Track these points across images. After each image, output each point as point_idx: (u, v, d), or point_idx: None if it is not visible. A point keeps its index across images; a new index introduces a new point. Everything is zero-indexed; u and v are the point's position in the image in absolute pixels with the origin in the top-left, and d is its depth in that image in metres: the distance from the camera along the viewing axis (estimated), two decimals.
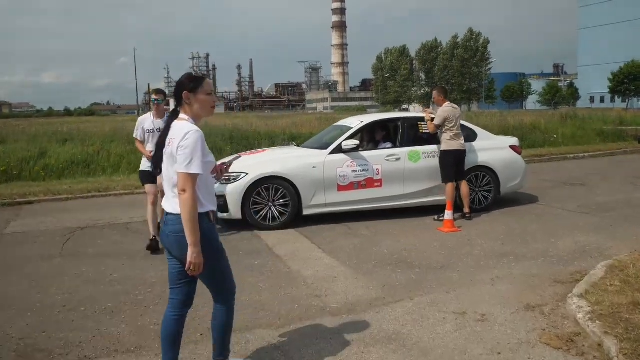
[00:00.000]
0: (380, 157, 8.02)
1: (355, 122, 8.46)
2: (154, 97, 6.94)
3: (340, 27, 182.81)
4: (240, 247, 6.81)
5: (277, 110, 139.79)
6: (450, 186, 7.88)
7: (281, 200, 7.65)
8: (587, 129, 22.23)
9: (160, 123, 6.82)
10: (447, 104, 8.03)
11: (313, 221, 8.00)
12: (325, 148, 8.02)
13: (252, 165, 7.72)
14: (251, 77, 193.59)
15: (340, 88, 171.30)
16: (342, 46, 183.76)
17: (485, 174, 8.52)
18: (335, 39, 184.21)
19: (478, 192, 8.54)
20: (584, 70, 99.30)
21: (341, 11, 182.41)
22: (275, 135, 19.27)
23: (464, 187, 8.08)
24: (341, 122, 8.96)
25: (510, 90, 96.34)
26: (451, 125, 7.84)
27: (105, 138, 17.62)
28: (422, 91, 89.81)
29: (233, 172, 7.57)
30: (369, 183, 7.93)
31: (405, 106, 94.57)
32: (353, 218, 8.15)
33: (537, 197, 9.80)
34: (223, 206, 7.57)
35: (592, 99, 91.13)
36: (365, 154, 8.01)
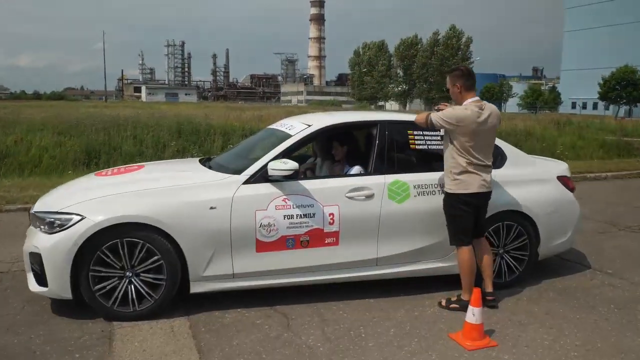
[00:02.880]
0: (338, 193, 4.48)
1: (299, 127, 4.81)
2: None
3: (319, 19, 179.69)
4: None
5: (252, 101, 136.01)
6: (465, 253, 4.44)
7: (150, 266, 4.06)
8: (587, 138, 19.40)
9: None
10: (471, 101, 4.42)
11: (215, 302, 4.45)
12: (239, 172, 4.44)
13: (97, 200, 4.09)
14: (226, 67, 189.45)
15: (316, 82, 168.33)
16: (320, 39, 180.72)
17: (517, 226, 5.03)
18: (312, 31, 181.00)
19: (503, 255, 5.07)
20: (566, 75, 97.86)
21: (320, 4, 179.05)
22: (233, 129, 16.14)
23: (485, 249, 4.63)
24: (277, 125, 5.34)
25: (490, 92, 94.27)
26: (467, 140, 4.30)
27: (35, 126, 14.37)
28: (399, 88, 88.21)
29: (55, 213, 3.97)
30: (316, 238, 4.40)
31: (381, 103, 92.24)
32: (293, 298, 4.62)
33: (585, 254, 6.38)
34: (39, 274, 3.98)
35: (573, 105, 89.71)
36: (312, 184, 4.46)
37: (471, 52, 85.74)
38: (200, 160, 5.26)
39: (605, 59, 77.95)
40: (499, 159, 5.12)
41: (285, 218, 4.29)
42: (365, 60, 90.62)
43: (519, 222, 5.01)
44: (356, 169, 4.84)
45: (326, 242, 4.43)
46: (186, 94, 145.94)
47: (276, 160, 4.28)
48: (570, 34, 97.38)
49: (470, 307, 3.93)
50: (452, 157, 4.36)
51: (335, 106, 73.77)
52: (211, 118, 19.59)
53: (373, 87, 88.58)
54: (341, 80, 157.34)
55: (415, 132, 4.88)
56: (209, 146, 14.21)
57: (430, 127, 4.45)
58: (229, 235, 4.15)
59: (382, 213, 4.55)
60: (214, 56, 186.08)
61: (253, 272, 4.29)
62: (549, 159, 6.45)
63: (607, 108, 68.22)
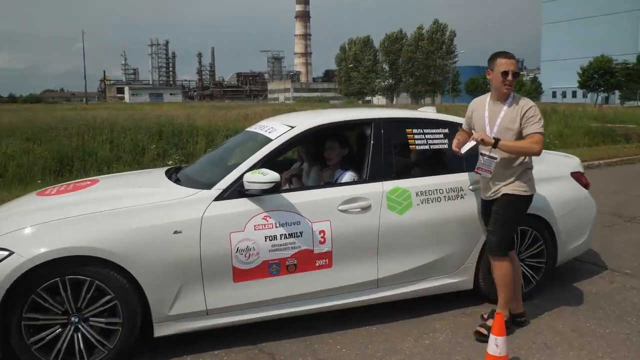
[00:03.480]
0: (328, 206, 3.77)
1: (280, 129, 4.06)
2: None
3: (304, 16, 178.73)
4: None
5: (239, 100, 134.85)
6: (512, 261, 3.93)
7: (102, 308, 3.31)
8: (573, 126, 19.28)
9: None
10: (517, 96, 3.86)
11: (187, 344, 3.72)
12: (209, 186, 3.71)
13: (31, 230, 3.28)
14: (212, 65, 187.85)
15: (303, 79, 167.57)
16: (306, 36, 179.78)
17: (532, 231, 4.37)
18: (298, 28, 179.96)
19: (523, 265, 4.40)
20: (546, 65, 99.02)
21: (305, 0, 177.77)
22: (217, 130, 15.33)
23: (517, 261, 4.07)
24: (257, 128, 4.55)
25: (474, 84, 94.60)
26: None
27: (1, 131, 13.24)
28: (385, 83, 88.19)
29: None
30: (305, 261, 3.69)
31: (368, 98, 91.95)
32: (281, 332, 3.91)
33: (597, 251, 5.78)
34: None
35: (554, 94, 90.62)
36: (298, 198, 3.74)
37: (455, 45, 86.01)
38: (167, 172, 4.51)
39: (582, 49, 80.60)
40: None
41: (267, 239, 3.58)
42: (351, 56, 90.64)
43: (534, 226, 4.37)
44: (348, 175, 4.15)
45: (317, 265, 3.72)
46: (171, 94, 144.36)
47: (253, 171, 3.55)
48: (548, 26, 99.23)
49: (492, 337, 3.26)
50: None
51: (323, 102, 73.19)
52: (193, 118, 18.82)
53: (360, 82, 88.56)
54: (328, 76, 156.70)
55: (415, 131, 4.20)
56: (191, 148, 13.46)
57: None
58: (198, 264, 3.43)
59: (381, 227, 3.85)
60: (199, 55, 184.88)
61: (231, 306, 3.57)
62: (559, 153, 5.79)
63: (585, 96, 69.65)
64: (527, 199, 3.80)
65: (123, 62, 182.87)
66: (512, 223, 3.81)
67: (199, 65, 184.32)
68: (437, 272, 4.11)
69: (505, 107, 3.75)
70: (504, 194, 3.76)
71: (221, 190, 3.61)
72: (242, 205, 3.58)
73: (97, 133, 13.33)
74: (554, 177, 4.58)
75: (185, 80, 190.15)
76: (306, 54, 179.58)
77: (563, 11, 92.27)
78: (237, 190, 3.61)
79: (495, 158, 3.72)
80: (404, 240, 3.94)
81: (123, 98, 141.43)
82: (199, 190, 3.65)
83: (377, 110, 4.45)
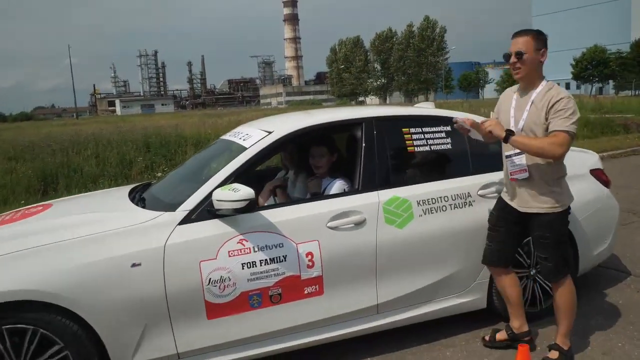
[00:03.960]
0: (316, 223, 3.22)
1: (256, 135, 3.50)
2: None
3: (293, 19, 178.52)
4: None
5: (231, 107, 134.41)
6: (572, 285, 3.31)
7: None
8: None
9: None
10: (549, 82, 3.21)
11: None
12: (174, 207, 3.14)
13: None
14: (203, 73, 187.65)
15: (295, 82, 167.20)
16: (295, 39, 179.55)
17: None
18: (287, 32, 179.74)
19: (536, 276, 3.85)
20: None
21: (292, 3, 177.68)
22: (207, 138, 14.72)
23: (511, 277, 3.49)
24: (231, 135, 3.98)
25: (467, 80, 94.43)
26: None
27: None
28: (378, 82, 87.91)
29: None
30: (291, 290, 3.13)
31: (361, 98, 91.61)
32: None
33: (616, 254, 5.24)
34: None
35: None
36: (279, 215, 3.19)
37: (446, 41, 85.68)
38: (131, 191, 3.95)
39: (573, 40, 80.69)
40: None
41: (245, 267, 3.03)
42: (342, 57, 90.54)
43: None
44: (338, 185, 3.61)
45: (306, 292, 3.17)
46: (163, 105, 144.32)
47: (224, 187, 3.00)
48: (538, 19, 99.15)
49: None
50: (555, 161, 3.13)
51: (316, 105, 72.81)
52: (182, 128, 18.31)
53: (352, 83, 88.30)
54: (320, 79, 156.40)
55: (413, 130, 3.66)
56: (180, 158, 12.94)
57: (574, 137, 3.05)
58: (163, 300, 2.87)
59: (379, 244, 3.31)
60: (189, 64, 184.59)
61: (207, 347, 3.02)
62: (574, 148, 5.21)
63: (579, 87, 69.63)
64: (567, 212, 3.25)
65: (113, 74, 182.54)
66: (563, 241, 3.25)
67: (189, 74, 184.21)
68: (445, 292, 3.57)
69: (532, 98, 3.13)
70: (541, 214, 3.17)
71: (187, 212, 3.06)
72: (213, 228, 3.04)
73: (82, 148, 12.91)
74: (572, 176, 4.01)
75: (177, 90, 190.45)
76: (297, 57, 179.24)
77: (552, 3, 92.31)
78: (206, 211, 3.06)
79: (522, 153, 3.11)
80: (405, 257, 3.40)
81: (115, 111, 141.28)
82: (162, 212, 3.10)
83: (368, 109, 3.89)
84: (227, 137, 4.05)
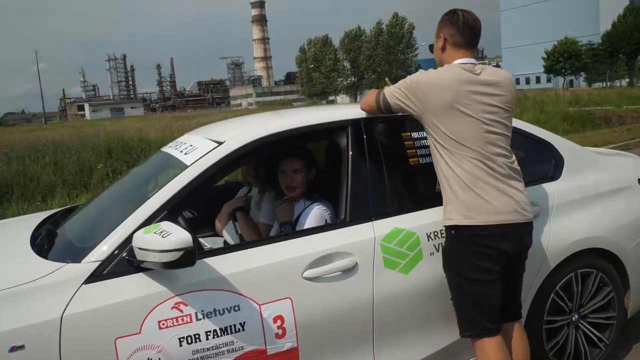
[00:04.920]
0: (287, 273, 2.24)
1: (202, 147, 2.49)
2: None
3: (261, 20, 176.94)
4: None
5: (201, 109, 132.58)
6: (491, 349, 2.31)
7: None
8: (549, 112, 18.18)
9: None
10: (460, 62, 2.39)
11: None
12: (78, 258, 2.10)
13: None
14: (172, 76, 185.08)
15: (265, 83, 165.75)
16: (264, 40, 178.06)
17: (596, 273, 2.87)
18: (256, 33, 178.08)
19: (578, 323, 2.88)
20: (507, 53, 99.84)
21: (260, 4, 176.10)
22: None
23: (523, 343, 2.47)
24: (173, 147, 2.90)
25: None
26: (452, 124, 2.30)
27: None
28: (348, 81, 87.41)
29: None
30: None
31: (332, 98, 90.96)
32: None
33: None
34: None
35: (518, 81, 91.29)
36: (231, 264, 2.20)
37: (415, 38, 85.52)
38: (41, 224, 2.90)
39: (543, 34, 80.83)
40: (554, 163, 3.00)
41: (184, 342, 2.04)
42: (311, 56, 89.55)
43: (600, 266, 2.89)
44: (317, 212, 2.65)
45: None
46: (132, 108, 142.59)
47: (149, 229, 2.01)
48: (506, 13, 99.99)
49: None
50: (443, 167, 2.35)
51: (286, 105, 71.89)
52: (147, 132, 17.34)
53: (322, 82, 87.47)
54: (290, 79, 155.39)
55: (415, 135, 2.70)
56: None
57: (386, 109, 2.46)
58: None
59: (377, 298, 2.35)
60: (159, 66, 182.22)
61: None
62: (614, 151, 4.31)
63: (549, 81, 69.18)
64: (464, 237, 2.38)
65: (82, 79, 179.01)
66: (455, 284, 2.45)
67: (158, 76, 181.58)
68: (467, 354, 2.63)
69: None
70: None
71: (98, 264, 2.06)
72: (135, 287, 2.04)
73: (40, 155, 12.08)
74: (618, 189, 3.11)
75: (147, 93, 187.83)
76: (266, 58, 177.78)
77: None
78: (125, 261, 2.07)
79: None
80: (413, 313, 2.45)
81: (84, 115, 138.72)
82: (64, 263, 2.09)
83: (354, 107, 2.86)
84: (167, 148, 3.04)
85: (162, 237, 1.91)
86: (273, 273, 2.22)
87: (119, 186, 3.17)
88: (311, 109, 3.53)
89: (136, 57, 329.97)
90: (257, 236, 2.98)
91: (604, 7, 79.70)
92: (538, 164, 2.97)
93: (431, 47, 2.65)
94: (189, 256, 1.92)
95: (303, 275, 2.24)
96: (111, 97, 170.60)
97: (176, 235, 1.91)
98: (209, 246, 3.43)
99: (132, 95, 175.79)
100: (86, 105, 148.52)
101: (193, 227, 3.85)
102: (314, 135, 2.86)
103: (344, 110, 2.86)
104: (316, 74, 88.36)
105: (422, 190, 2.72)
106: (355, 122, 2.63)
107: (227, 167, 2.49)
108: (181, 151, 2.65)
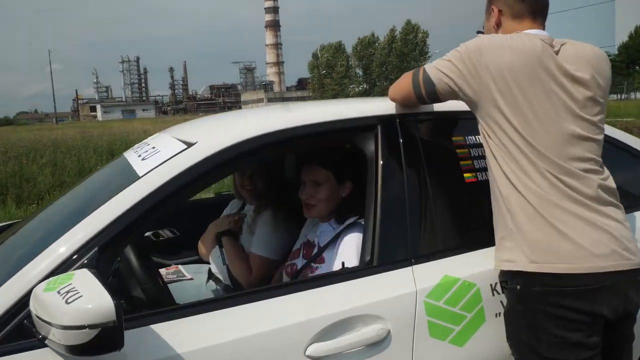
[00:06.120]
0: (280, 346, 1.43)
1: (167, 150, 1.68)
2: None
3: (274, 26, 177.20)
4: None
5: (213, 112, 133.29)
6: None
7: None
8: None
9: None
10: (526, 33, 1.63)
11: None
12: None
13: None
14: (185, 79, 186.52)
15: (276, 88, 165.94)
16: (277, 45, 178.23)
17: None
18: (269, 38, 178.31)
19: None
20: None
21: (274, 10, 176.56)
22: None
23: None
24: (132, 151, 2.11)
25: None
26: (517, 115, 1.51)
27: None
28: (360, 88, 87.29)
29: None
30: None
31: None
32: None
33: None
34: None
35: None
36: (192, 337, 1.39)
37: (428, 46, 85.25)
38: None
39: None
40: None
41: None
42: (324, 62, 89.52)
43: None
44: (353, 243, 1.86)
45: None
46: (144, 110, 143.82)
47: (54, 282, 1.21)
48: None
49: None
50: (501, 182, 1.60)
51: None
52: (151, 133, 16.97)
53: (334, 88, 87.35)
54: (301, 84, 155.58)
55: (471, 140, 1.89)
56: None
57: (428, 93, 1.69)
58: None
59: None
60: (171, 69, 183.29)
61: None
62: None
63: None
64: (526, 289, 1.59)
65: (95, 80, 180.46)
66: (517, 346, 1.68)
67: (171, 79, 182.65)
68: None
69: None
70: None
71: None
72: None
73: (39, 155, 11.98)
74: None
75: (159, 96, 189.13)
76: (278, 63, 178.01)
77: None
78: (16, 333, 1.28)
79: None
80: None
81: (96, 116, 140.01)
82: None
83: (385, 100, 1.95)
84: (128, 152, 2.24)
85: (67, 301, 1.11)
86: (258, 352, 1.41)
87: (55, 205, 2.30)
88: (330, 102, 2.68)
89: (149, 60, 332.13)
90: (247, 273, 2.23)
91: (619, 19, 79.58)
92: (636, 184, 2.16)
93: (479, 34, 1.89)
94: (110, 337, 1.12)
95: (306, 354, 1.44)
96: (124, 99, 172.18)
97: (90, 300, 1.11)
98: (188, 276, 2.74)
99: (144, 98, 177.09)
100: (98, 107, 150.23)
101: (172, 251, 3.15)
102: (327, 138, 1.92)
103: (372, 104, 2.01)
104: (328, 80, 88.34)
105: (483, 221, 1.89)
106: (387, 120, 1.81)
107: (200, 179, 1.65)
108: (139, 155, 1.86)
